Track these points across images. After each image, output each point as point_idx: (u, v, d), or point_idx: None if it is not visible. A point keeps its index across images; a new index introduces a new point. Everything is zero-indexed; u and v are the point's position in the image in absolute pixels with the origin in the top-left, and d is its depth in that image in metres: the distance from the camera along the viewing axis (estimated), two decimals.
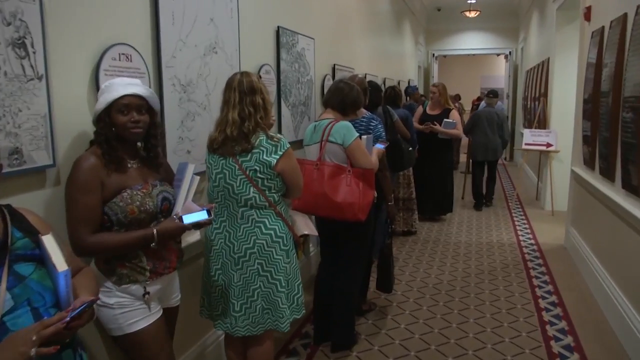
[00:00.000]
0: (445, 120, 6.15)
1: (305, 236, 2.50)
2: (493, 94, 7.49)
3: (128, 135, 1.84)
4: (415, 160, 4.91)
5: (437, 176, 6.28)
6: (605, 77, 3.86)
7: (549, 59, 7.21)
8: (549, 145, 6.85)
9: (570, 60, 6.46)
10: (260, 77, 2.35)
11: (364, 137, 2.98)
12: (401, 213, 5.61)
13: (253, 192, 2.27)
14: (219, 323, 2.44)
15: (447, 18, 13.11)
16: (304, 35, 4.10)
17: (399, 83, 9.11)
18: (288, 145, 2.30)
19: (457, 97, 12.48)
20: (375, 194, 3.07)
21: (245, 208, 2.30)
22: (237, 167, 2.27)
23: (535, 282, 4.33)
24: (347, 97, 2.99)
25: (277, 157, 2.25)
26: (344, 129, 2.85)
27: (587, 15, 4.58)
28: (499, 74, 16.50)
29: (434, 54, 13.82)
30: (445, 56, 14.63)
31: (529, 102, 9.53)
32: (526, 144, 7.10)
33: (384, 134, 3.36)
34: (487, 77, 17.68)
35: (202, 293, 2.51)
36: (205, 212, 1.91)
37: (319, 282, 3.24)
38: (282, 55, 3.71)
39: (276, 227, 2.32)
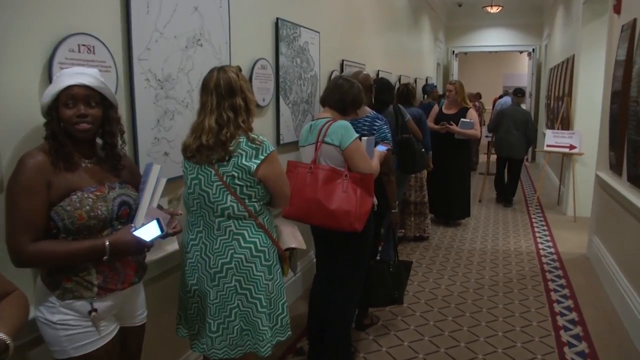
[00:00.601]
0: (462, 120, 5.84)
1: (292, 250, 2.25)
2: (521, 93, 7.53)
3: (74, 131, 1.61)
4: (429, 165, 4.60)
5: (454, 178, 5.97)
6: (636, 75, 3.53)
7: (574, 56, 6.82)
8: (572, 147, 6.48)
9: (597, 57, 6.11)
10: (240, 70, 2.09)
11: (364, 138, 2.71)
12: (412, 217, 5.33)
13: (230, 201, 2.03)
14: (196, 344, 2.21)
15: (468, 14, 12.70)
16: (307, 28, 3.84)
17: (415, 81, 8.80)
18: (272, 149, 2.05)
19: (477, 96, 12.09)
20: (376, 202, 2.81)
21: (222, 218, 2.05)
22: (213, 172, 2.02)
23: (554, 296, 4.01)
24: (346, 94, 2.72)
25: (258, 161, 2.00)
26: (342, 129, 2.59)
27: (617, 7, 4.23)
28: (522, 72, 16.00)
29: (454, 51, 13.41)
30: (465, 53, 14.20)
31: (552, 102, 9.13)
32: (548, 146, 6.74)
33: (389, 135, 3.09)
34: (509, 75, 17.18)
35: (178, 309, 2.28)
36: (156, 224, 1.66)
37: (313, 295, 2.98)
38: (282, 49, 3.45)
39: (257, 240, 2.08)
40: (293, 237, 2.26)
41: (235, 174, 2.00)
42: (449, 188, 5.95)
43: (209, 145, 2.00)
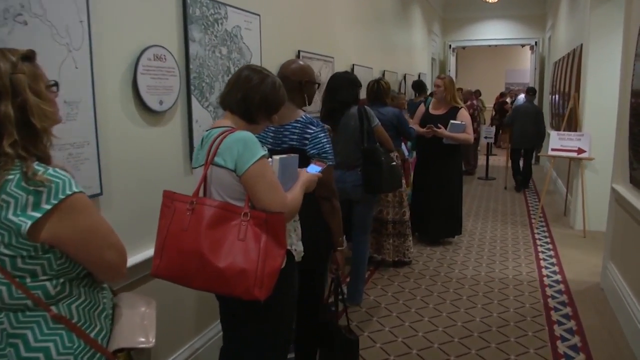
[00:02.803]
0: (451, 121, 4.95)
1: (130, 351, 1.38)
2: (532, 92, 8.45)
3: None
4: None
5: (443, 190, 5.10)
6: None
7: (581, 46, 5.93)
8: (580, 151, 5.60)
9: (610, 46, 5.25)
10: (28, 58, 1.23)
11: (278, 157, 1.84)
12: (391, 239, 4.45)
13: None
14: None
15: (465, 4, 11.78)
16: (238, 8, 2.98)
17: (404, 77, 7.93)
18: (70, 191, 1.18)
19: (477, 93, 11.19)
20: (298, 249, 1.96)
21: None
22: None
23: (561, 347, 3.13)
24: (252, 92, 1.86)
25: (38, 215, 1.14)
26: (239, 144, 1.73)
27: None
28: (525, 68, 15.07)
29: (450, 45, 12.50)
30: (464, 48, 13.29)
31: (556, 99, 8.23)
32: (553, 149, 5.85)
33: (328, 146, 2.25)
34: (512, 72, 16.28)
35: None
36: None
37: None
38: (194, 35, 2.60)
39: (51, 345, 1.22)
40: (139, 326, 1.40)
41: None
42: (436, 201, 5.09)
43: None
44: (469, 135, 5.05)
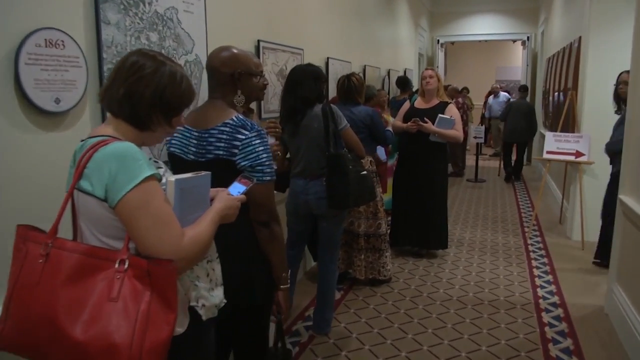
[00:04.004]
0: (440, 115, 4.45)
1: None
2: (524, 89, 9.13)
3: None
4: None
5: (426, 195, 4.59)
6: None
7: (580, 39, 5.44)
8: (578, 154, 5.11)
9: (613, 39, 4.80)
10: None
11: (173, 179, 1.31)
12: (363, 255, 3.93)
13: None
14: None
15: None
16: None
17: (388, 73, 7.43)
18: None
19: (464, 91, 10.67)
20: (215, 304, 1.44)
21: None
22: None
23: None
24: (140, 85, 1.31)
25: None
26: (111, 162, 1.20)
27: None
28: (516, 65, 14.59)
29: (438, 40, 11.98)
30: (452, 43, 12.79)
31: (550, 97, 7.75)
32: (548, 152, 5.36)
33: (264, 156, 1.71)
34: (503, 69, 15.80)
35: None
36: None
37: None
38: (108, 16, 2.07)
39: None
40: None
41: None
42: (420, 208, 4.59)
43: None
44: (459, 132, 4.55)
